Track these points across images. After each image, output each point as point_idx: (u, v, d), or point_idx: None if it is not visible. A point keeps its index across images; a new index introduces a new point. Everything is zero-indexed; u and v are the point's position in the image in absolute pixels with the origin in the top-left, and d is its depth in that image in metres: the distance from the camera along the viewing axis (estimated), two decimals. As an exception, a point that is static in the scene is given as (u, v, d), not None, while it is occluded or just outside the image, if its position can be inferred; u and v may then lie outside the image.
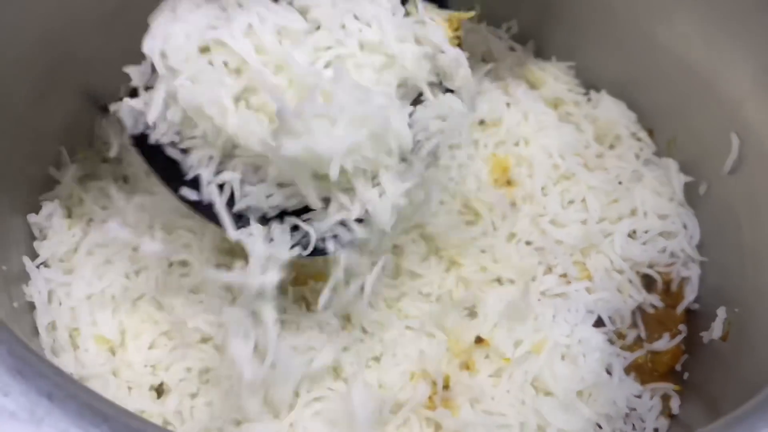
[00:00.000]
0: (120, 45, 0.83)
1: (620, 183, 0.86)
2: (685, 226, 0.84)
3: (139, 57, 0.87)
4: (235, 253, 0.66)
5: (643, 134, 0.93)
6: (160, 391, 0.68)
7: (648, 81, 0.91)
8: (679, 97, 0.87)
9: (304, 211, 0.60)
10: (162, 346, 0.69)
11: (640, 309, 0.80)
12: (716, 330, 0.75)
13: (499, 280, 0.78)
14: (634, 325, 0.80)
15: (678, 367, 0.78)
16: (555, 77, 0.95)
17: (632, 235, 0.83)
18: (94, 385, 0.65)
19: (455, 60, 0.63)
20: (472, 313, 0.76)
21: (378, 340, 0.71)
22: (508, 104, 0.91)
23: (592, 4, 0.92)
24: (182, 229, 0.74)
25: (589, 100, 0.96)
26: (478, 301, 0.75)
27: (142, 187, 0.81)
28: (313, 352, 0.67)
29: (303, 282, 0.73)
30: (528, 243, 0.80)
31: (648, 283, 0.81)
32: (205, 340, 0.71)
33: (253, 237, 0.57)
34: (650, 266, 0.81)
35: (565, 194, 0.85)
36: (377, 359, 0.71)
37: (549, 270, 0.80)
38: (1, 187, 0.70)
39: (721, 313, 0.75)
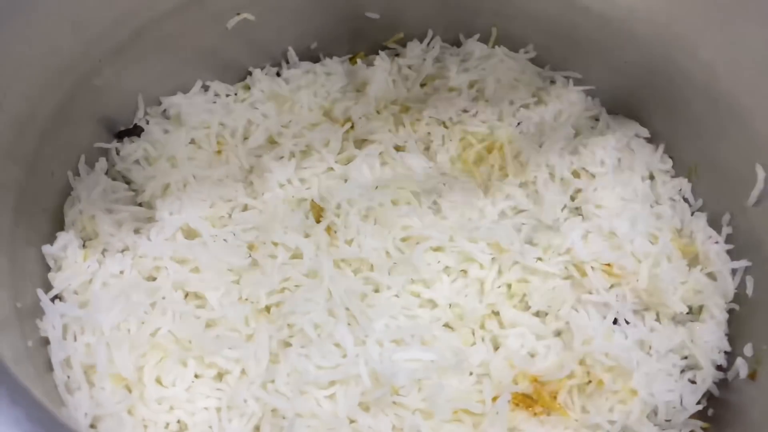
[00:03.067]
0: (133, 73, 0.84)
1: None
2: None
3: (151, 85, 0.88)
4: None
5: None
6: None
7: (668, 107, 0.90)
8: (700, 125, 0.86)
9: None
10: (179, 382, 0.67)
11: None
12: (742, 369, 0.73)
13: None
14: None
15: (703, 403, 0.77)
16: (571, 104, 0.94)
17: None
18: (108, 425, 0.64)
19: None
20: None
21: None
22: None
23: (611, 29, 0.91)
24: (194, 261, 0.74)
25: (596, 120, 0.95)
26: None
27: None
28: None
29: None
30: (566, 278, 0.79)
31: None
32: (221, 375, 0.70)
33: None
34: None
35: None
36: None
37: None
38: (16, 218, 0.69)
39: (748, 350, 0.73)
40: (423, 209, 0.82)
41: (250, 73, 0.97)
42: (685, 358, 0.79)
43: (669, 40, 0.85)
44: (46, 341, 0.68)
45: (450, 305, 0.77)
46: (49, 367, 0.66)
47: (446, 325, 0.76)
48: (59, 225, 0.76)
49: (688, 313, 0.80)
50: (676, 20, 0.83)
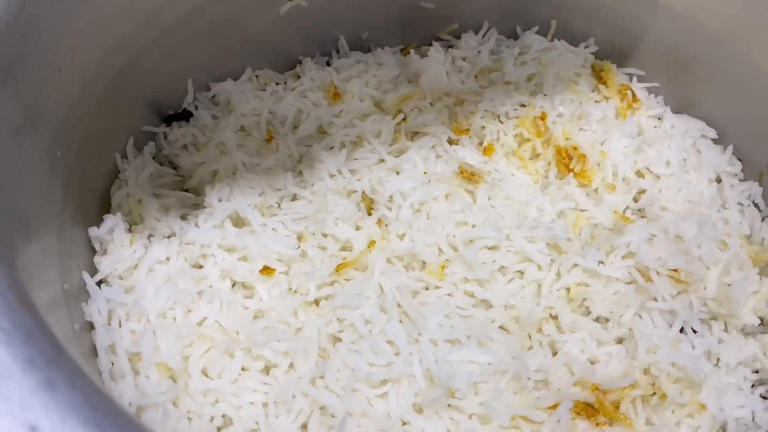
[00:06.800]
0: (184, 56, 0.82)
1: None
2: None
3: (201, 70, 0.86)
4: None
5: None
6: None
7: (738, 107, 0.85)
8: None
9: None
10: (225, 375, 0.64)
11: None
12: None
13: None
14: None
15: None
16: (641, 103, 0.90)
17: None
18: (152, 415, 0.61)
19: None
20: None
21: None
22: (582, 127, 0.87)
23: (681, 24, 0.86)
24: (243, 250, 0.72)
25: (659, 119, 0.90)
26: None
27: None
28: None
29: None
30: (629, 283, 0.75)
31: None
32: (268, 369, 0.67)
33: None
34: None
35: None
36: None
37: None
38: (65, 196, 0.66)
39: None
40: (478, 205, 0.78)
41: (299, 62, 0.94)
42: (757, 372, 0.74)
43: (743, 36, 0.81)
44: (91, 326, 0.65)
45: (505, 307, 0.73)
46: (94, 353, 0.64)
47: (501, 327, 0.72)
48: (106, 208, 0.74)
49: (759, 324, 0.76)
50: (753, 13, 0.79)
